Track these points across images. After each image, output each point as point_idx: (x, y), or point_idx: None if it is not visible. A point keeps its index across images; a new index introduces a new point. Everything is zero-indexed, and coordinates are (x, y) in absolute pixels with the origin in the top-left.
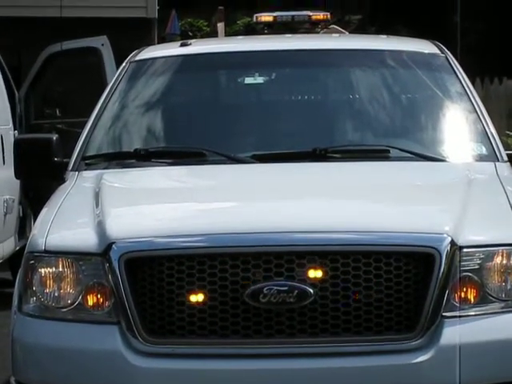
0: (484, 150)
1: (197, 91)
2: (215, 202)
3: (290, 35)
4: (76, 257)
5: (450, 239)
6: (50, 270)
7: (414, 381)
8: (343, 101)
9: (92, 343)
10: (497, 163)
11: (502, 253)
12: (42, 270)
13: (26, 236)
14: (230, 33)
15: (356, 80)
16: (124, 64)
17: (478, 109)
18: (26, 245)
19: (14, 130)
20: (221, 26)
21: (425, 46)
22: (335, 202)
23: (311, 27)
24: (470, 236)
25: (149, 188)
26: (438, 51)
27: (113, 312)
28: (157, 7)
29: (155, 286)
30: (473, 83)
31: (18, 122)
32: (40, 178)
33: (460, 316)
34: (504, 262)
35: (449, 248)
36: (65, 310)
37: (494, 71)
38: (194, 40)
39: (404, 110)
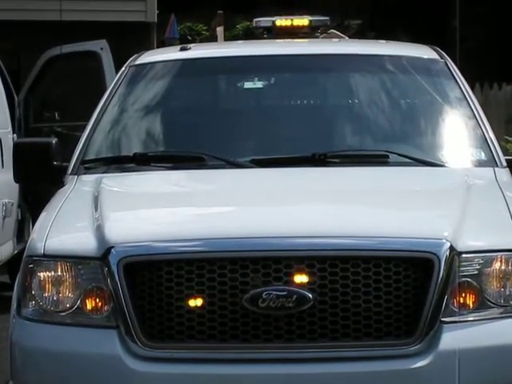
0: (483, 156)
1: (196, 96)
2: (214, 207)
3: (289, 40)
4: (75, 261)
5: (449, 244)
6: (49, 274)
7: None
8: (342, 106)
9: (91, 347)
10: (496, 169)
11: (501, 258)
12: (41, 274)
13: (24, 239)
14: (229, 37)
15: (355, 85)
16: (123, 68)
17: (477, 114)
18: (24, 248)
19: (13, 133)
20: (220, 30)
21: (424, 51)
22: (334, 207)
23: (311, 32)
24: (468, 241)
25: (148, 192)
26: (437, 56)
27: (111, 316)
28: (156, 11)
29: (154, 290)
30: (472, 88)
31: (17, 125)
32: (39, 182)
33: (459, 321)
34: (503, 267)
35: (448, 253)
36: (63, 313)
37: (493, 76)
38: (193, 44)
39: (403, 115)
